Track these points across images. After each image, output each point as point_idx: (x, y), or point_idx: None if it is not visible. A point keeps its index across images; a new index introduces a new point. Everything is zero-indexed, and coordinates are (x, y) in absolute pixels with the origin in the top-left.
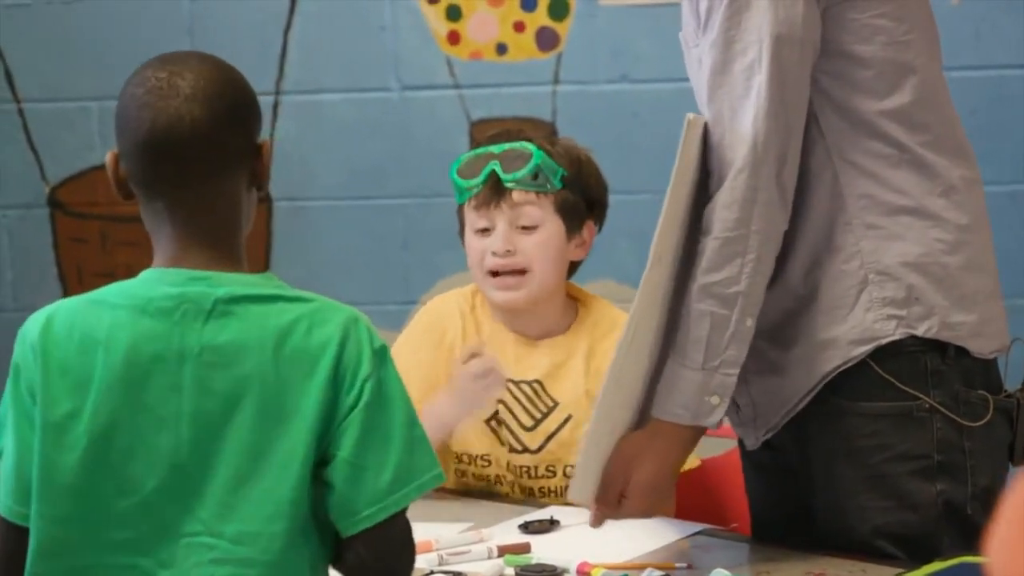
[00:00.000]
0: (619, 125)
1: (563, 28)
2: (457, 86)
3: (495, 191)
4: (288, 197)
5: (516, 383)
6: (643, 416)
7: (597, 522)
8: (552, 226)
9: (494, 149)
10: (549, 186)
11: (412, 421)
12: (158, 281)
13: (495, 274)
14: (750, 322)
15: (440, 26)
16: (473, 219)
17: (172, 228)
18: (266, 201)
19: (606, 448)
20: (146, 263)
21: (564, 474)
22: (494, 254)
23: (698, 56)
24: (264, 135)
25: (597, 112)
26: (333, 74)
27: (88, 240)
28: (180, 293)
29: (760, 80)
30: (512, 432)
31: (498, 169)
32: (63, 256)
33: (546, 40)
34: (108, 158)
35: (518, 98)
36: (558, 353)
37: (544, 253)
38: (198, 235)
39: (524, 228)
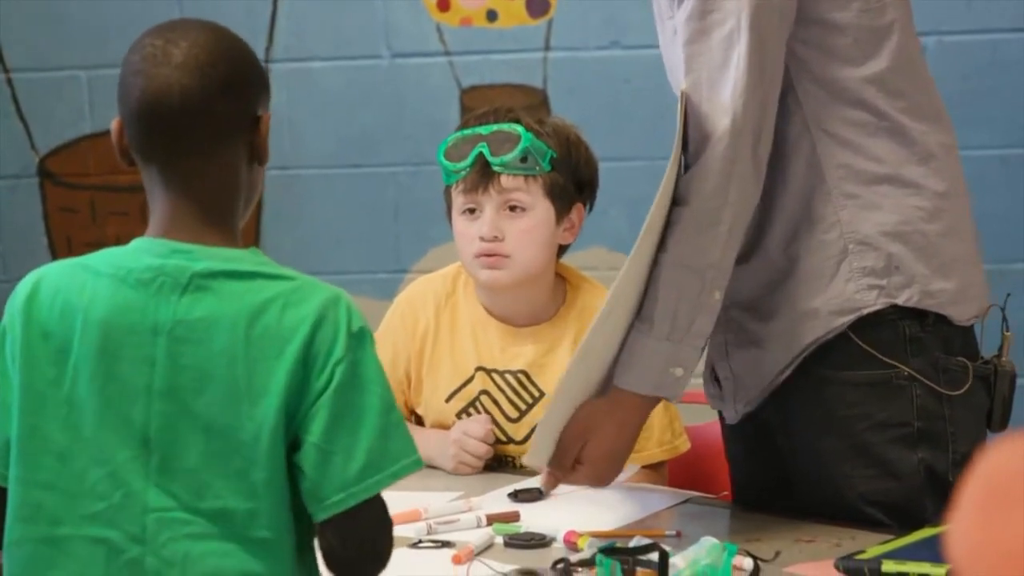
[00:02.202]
0: (610, 92)
1: None
2: (447, 53)
3: (483, 174)
4: (278, 166)
5: (500, 373)
6: (604, 384)
7: (549, 486)
8: (541, 210)
9: (482, 130)
10: (538, 168)
11: (388, 406)
12: (143, 251)
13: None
14: (718, 295)
15: None
16: (461, 202)
17: (165, 197)
18: None
19: (566, 414)
20: (137, 233)
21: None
22: (482, 238)
23: (673, 28)
24: None
25: (588, 79)
26: (323, 42)
27: (78, 210)
28: (160, 265)
29: (739, 50)
30: (496, 423)
31: (486, 152)
32: (53, 226)
33: (537, 6)
34: (113, 125)
35: (509, 65)
36: (544, 341)
37: (531, 238)
38: (190, 205)
39: (512, 212)
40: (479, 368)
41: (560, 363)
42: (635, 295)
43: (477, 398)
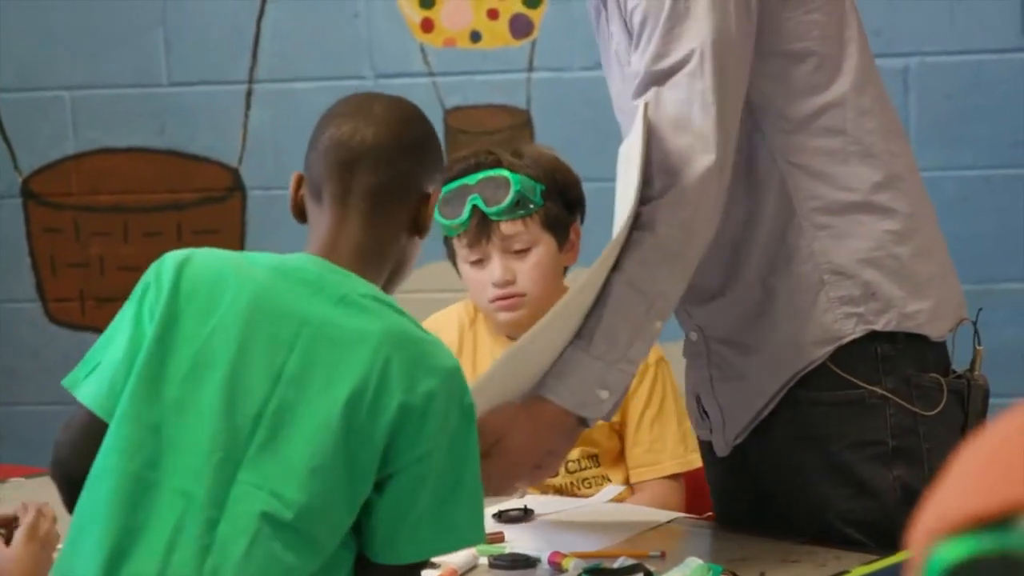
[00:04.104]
0: (594, 112)
1: (537, 15)
2: (431, 74)
3: (482, 226)
4: (262, 186)
5: None
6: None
7: None
8: (544, 245)
9: (469, 181)
10: (532, 206)
11: (477, 481)
12: (307, 260)
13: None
14: (659, 324)
15: (413, 13)
16: (466, 253)
17: (328, 229)
18: (240, 191)
19: (492, 398)
20: (121, 252)
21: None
22: (495, 284)
23: (633, 74)
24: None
25: (572, 99)
26: (307, 62)
27: (61, 230)
28: (321, 274)
29: (703, 86)
30: None
31: (480, 204)
32: (36, 246)
33: (520, 27)
34: (293, 178)
35: (492, 85)
36: None
37: (541, 273)
38: (347, 245)
39: (518, 253)
40: None
41: None
42: (585, 310)
43: None
